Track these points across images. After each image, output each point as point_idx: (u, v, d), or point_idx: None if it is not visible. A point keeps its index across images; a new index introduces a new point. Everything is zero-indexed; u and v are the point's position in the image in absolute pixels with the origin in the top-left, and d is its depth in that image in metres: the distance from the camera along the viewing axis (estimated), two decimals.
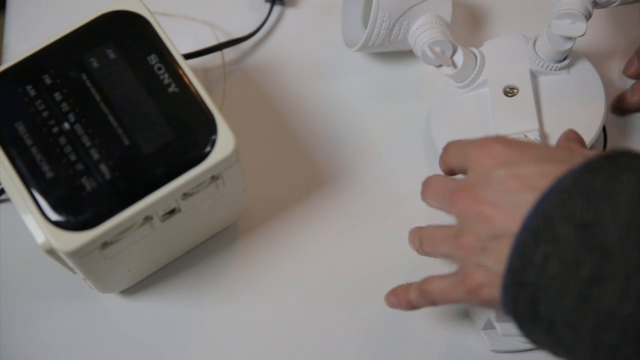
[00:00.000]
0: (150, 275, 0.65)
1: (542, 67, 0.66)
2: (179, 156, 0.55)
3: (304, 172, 0.70)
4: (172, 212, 0.57)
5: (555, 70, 0.66)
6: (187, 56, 0.70)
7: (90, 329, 0.64)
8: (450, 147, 0.55)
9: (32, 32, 0.75)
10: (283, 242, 0.67)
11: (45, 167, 0.54)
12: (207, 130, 0.56)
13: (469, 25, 0.75)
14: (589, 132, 0.64)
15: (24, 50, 0.58)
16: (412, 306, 0.56)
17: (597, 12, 0.66)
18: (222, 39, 0.74)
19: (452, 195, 0.51)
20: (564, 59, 0.66)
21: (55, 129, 0.55)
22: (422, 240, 0.55)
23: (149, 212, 0.55)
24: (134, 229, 0.56)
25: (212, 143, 0.55)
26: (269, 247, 0.67)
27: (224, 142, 0.55)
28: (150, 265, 0.65)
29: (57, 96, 0.56)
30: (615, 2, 0.63)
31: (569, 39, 0.63)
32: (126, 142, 0.55)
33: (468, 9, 0.76)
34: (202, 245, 0.66)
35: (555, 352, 0.46)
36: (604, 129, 0.69)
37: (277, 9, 0.76)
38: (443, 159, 0.56)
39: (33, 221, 0.54)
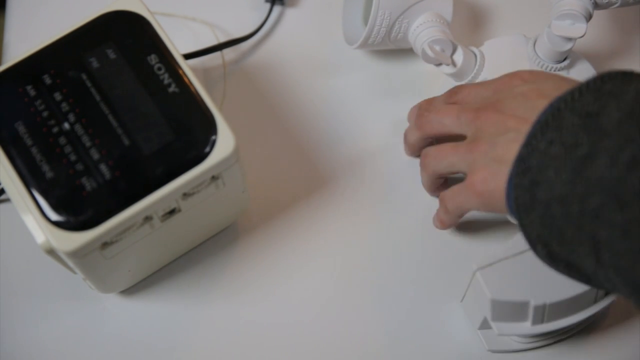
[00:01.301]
0: (150, 275, 0.65)
1: (541, 67, 0.66)
2: (179, 156, 0.55)
3: (304, 172, 0.70)
4: (172, 212, 0.57)
5: (554, 71, 0.66)
6: (187, 56, 0.70)
7: (90, 329, 0.64)
8: (463, 87, 0.62)
9: (32, 32, 0.75)
10: (283, 242, 0.67)
11: (45, 167, 0.54)
12: (207, 131, 0.56)
13: (469, 25, 0.75)
14: None
15: (24, 50, 0.58)
16: (441, 222, 0.64)
17: (598, 13, 0.66)
18: (222, 39, 0.74)
19: (479, 112, 0.56)
20: (564, 59, 0.66)
21: (55, 129, 0.55)
22: (428, 154, 0.62)
23: (149, 212, 0.55)
24: (134, 229, 0.56)
25: (212, 143, 0.55)
26: (269, 247, 0.67)
27: (224, 142, 0.55)
28: (151, 265, 0.65)
29: (57, 96, 0.56)
30: (616, 3, 0.63)
31: (569, 39, 0.63)
32: (126, 142, 0.55)
33: (469, 8, 0.76)
34: (202, 245, 0.66)
35: (548, 242, 0.49)
36: None
37: (277, 9, 0.76)
38: (458, 95, 0.62)
39: (33, 221, 0.54)
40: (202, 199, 0.58)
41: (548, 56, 0.66)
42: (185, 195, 0.56)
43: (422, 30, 0.67)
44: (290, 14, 0.76)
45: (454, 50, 0.66)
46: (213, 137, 0.55)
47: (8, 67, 0.57)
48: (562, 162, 0.47)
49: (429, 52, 0.66)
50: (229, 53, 0.74)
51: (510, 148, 0.52)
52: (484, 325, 0.61)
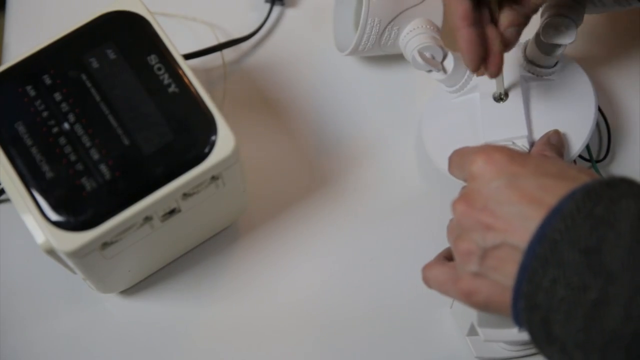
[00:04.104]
0: (150, 275, 0.65)
1: (532, 72, 0.65)
2: (179, 156, 0.55)
3: (304, 172, 0.70)
4: (172, 212, 0.57)
5: (545, 75, 0.65)
6: (187, 56, 0.70)
7: (90, 329, 0.64)
8: (452, 158, 0.56)
9: (32, 32, 0.75)
10: (283, 242, 0.67)
11: (45, 167, 0.54)
12: (207, 131, 0.56)
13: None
14: (579, 138, 0.63)
15: (24, 50, 0.58)
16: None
17: (593, 18, 0.66)
18: (222, 39, 0.74)
19: (453, 203, 0.52)
20: (555, 64, 0.65)
21: (55, 129, 0.55)
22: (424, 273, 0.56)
23: (149, 212, 0.55)
24: (134, 229, 0.56)
25: (212, 143, 0.55)
26: (269, 247, 0.67)
27: (224, 142, 0.55)
28: (151, 265, 0.65)
29: (57, 96, 0.56)
30: (604, 7, 0.62)
31: (558, 45, 0.63)
32: (126, 142, 0.55)
33: None
34: (202, 245, 0.66)
35: None
36: (607, 129, 0.69)
37: (277, 9, 0.76)
38: (449, 170, 0.57)
39: (33, 221, 0.54)
40: (202, 199, 0.58)
41: (538, 61, 0.65)
42: (185, 195, 0.56)
43: (412, 37, 0.66)
44: (290, 14, 0.76)
45: (445, 57, 0.66)
46: (213, 137, 0.55)
47: (8, 67, 0.57)
48: (572, 306, 0.45)
49: (419, 59, 0.65)
50: (229, 53, 0.74)
51: (499, 264, 0.48)
52: (472, 331, 0.61)
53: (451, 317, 0.64)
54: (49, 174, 0.54)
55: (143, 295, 0.66)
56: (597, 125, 0.69)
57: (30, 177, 0.54)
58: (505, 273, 0.48)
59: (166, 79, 0.57)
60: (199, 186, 0.57)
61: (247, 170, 0.61)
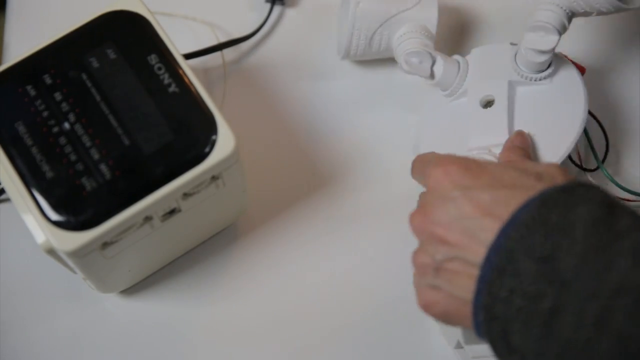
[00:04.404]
0: (150, 275, 0.65)
1: (522, 77, 0.64)
2: (179, 156, 0.55)
3: (304, 172, 0.70)
4: (172, 212, 0.57)
5: (536, 80, 0.64)
6: (187, 56, 0.70)
7: (90, 329, 0.64)
8: (414, 164, 0.57)
9: (32, 32, 0.75)
10: (283, 242, 0.67)
11: (45, 167, 0.54)
12: (207, 130, 0.56)
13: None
14: (561, 146, 0.62)
15: (24, 50, 0.58)
16: None
17: (594, 20, 0.65)
18: (222, 39, 0.74)
19: (410, 215, 0.52)
20: (546, 68, 0.63)
21: (56, 129, 0.55)
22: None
23: (149, 212, 0.55)
24: (134, 229, 0.56)
25: (212, 143, 0.55)
26: (269, 248, 0.67)
27: (224, 142, 0.55)
28: (151, 265, 0.65)
29: (57, 96, 0.56)
30: (592, 12, 0.61)
31: (542, 51, 0.62)
32: (126, 142, 0.55)
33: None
34: (202, 245, 0.66)
35: None
36: (604, 134, 0.68)
37: (277, 9, 0.76)
38: (412, 175, 0.58)
39: (33, 221, 0.54)
40: (202, 199, 0.58)
41: (527, 67, 0.63)
42: (186, 195, 0.56)
43: (401, 43, 0.66)
44: (290, 14, 0.76)
45: (434, 62, 0.65)
46: (213, 137, 0.55)
47: (8, 67, 0.57)
48: (529, 315, 0.44)
49: (404, 66, 0.65)
50: (229, 53, 0.74)
51: (454, 277, 0.49)
52: (460, 345, 0.61)
53: (438, 329, 0.64)
54: (49, 174, 0.54)
55: (143, 295, 0.66)
56: (600, 129, 0.68)
57: (30, 177, 0.54)
58: (459, 286, 0.48)
59: (166, 78, 0.57)
60: (199, 186, 0.57)
61: (247, 170, 0.61)
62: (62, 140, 0.55)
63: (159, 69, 0.57)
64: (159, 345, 0.64)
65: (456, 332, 0.60)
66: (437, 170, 0.51)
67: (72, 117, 0.56)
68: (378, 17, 0.66)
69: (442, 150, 0.60)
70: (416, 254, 0.52)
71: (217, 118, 0.56)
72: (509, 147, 0.61)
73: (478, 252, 0.47)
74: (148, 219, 0.56)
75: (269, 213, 0.68)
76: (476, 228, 0.48)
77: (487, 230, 0.47)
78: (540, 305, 0.44)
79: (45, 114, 0.56)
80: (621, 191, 0.65)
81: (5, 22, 0.76)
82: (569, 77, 0.64)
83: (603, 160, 0.68)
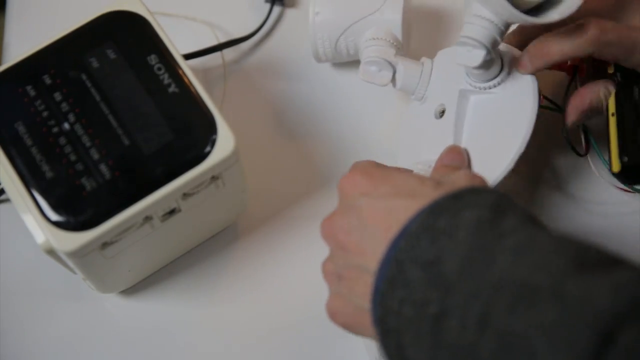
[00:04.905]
0: (150, 275, 0.65)
1: (472, 86, 0.61)
2: (179, 156, 0.55)
3: (304, 172, 0.70)
4: (172, 212, 0.57)
5: (486, 89, 0.60)
6: (187, 56, 0.70)
7: (90, 329, 0.64)
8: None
9: (32, 32, 0.75)
10: (283, 242, 0.67)
11: (45, 167, 0.54)
12: (207, 130, 0.56)
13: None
14: (503, 160, 0.58)
15: (24, 50, 0.58)
16: None
17: None
18: (222, 39, 0.74)
19: (322, 222, 0.53)
20: (495, 77, 0.60)
21: (55, 129, 0.55)
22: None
23: (149, 212, 0.55)
24: (134, 229, 0.56)
25: (212, 143, 0.55)
26: (269, 247, 0.67)
27: (224, 142, 0.55)
28: (150, 265, 0.65)
29: (57, 96, 0.56)
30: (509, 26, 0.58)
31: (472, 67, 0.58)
32: (126, 142, 0.55)
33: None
34: (202, 245, 0.66)
35: None
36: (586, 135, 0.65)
37: (277, 9, 0.76)
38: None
39: (33, 221, 0.54)
40: (202, 199, 0.58)
41: (473, 76, 0.60)
42: (185, 195, 0.56)
43: (364, 50, 0.65)
44: (290, 14, 0.76)
45: (394, 69, 0.64)
46: (213, 137, 0.55)
47: (8, 67, 0.57)
48: (418, 324, 0.44)
49: (360, 75, 0.64)
50: (229, 53, 0.74)
51: (353, 285, 0.49)
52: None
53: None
54: (49, 174, 0.54)
55: (143, 295, 0.66)
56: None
57: (30, 177, 0.54)
58: (358, 294, 0.48)
59: (166, 79, 0.57)
60: (199, 186, 0.57)
61: (247, 170, 0.61)
62: (62, 140, 0.55)
63: (159, 69, 0.57)
64: (159, 345, 0.64)
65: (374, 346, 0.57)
66: (345, 178, 0.52)
67: (72, 117, 0.56)
68: (338, 26, 0.66)
69: (415, 157, 0.59)
70: (324, 261, 0.52)
71: (217, 118, 0.56)
72: (437, 166, 0.59)
73: (373, 262, 0.47)
74: (148, 219, 0.56)
75: (269, 213, 0.68)
76: (372, 237, 0.48)
77: (381, 240, 0.47)
78: (427, 312, 0.43)
79: (45, 114, 0.56)
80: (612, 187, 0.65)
81: (5, 22, 0.76)
82: (522, 85, 0.60)
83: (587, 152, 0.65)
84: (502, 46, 0.61)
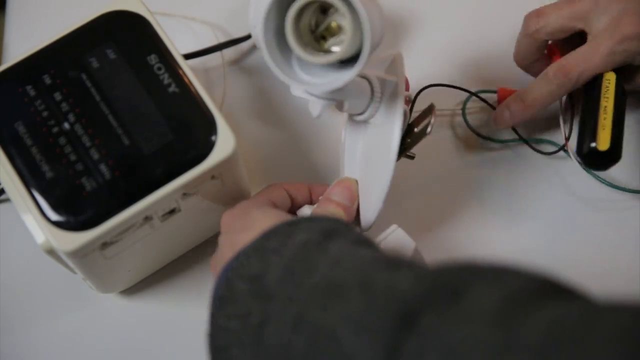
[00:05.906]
0: (150, 275, 0.65)
1: (356, 115, 0.59)
2: (179, 156, 0.55)
3: (304, 172, 0.70)
4: (172, 212, 0.57)
5: (365, 121, 0.59)
6: (187, 56, 0.70)
7: (90, 329, 0.64)
8: None
9: (32, 32, 0.75)
10: None
11: (45, 167, 0.54)
12: (207, 131, 0.56)
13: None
14: (376, 194, 0.58)
15: (24, 50, 0.58)
16: None
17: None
18: (222, 39, 0.74)
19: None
20: (363, 112, 0.58)
21: (55, 129, 0.55)
22: None
23: (149, 212, 0.55)
24: (134, 229, 0.56)
25: (212, 143, 0.55)
26: None
27: (224, 142, 0.55)
28: (150, 265, 0.65)
29: (57, 96, 0.56)
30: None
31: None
32: (126, 142, 0.55)
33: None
34: (202, 245, 0.66)
35: None
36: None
37: None
38: None
39: (33, 221, 0.54)
40: (202, 199, 0.58)
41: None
42: (185, 195, 0.56)
43: None
44: None
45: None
46: (213, 137, 0.55)
47: (8, 67, 0.57)
48: (243, 336, 0.46)
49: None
50: (229, 53, 0.74)
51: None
52: None
53: None
54: (49, 174, 0.54)
55: (143, 295, 0.66)
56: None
57: (30, 177, 0.54)
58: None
59: (166, 78, 0.57)
60: (199, 186, 0.57)
61: (247, 170, 0.61)
62: (62, 140, 0.55)
63: (159, 69, 0.57)
64: (159, 345, 0.64)
65: None
66: (224, 215, 0.57)
67: (71, 117, 0.56)
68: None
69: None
70: None
71: (217, 118, 0.56)
72: (323, 199, 0.60)
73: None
74: (148, 219, 0.56)
75: None
76: (220, 268, 0.52)
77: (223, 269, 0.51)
78: (250, 322, 0.46)
79: (45, 114, 0.56)
80: (604, 186, 0.65)
81: (5, 22, 0.76)
82: (392, 116, 0.58)
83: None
84: (377, 75, 0.58)
